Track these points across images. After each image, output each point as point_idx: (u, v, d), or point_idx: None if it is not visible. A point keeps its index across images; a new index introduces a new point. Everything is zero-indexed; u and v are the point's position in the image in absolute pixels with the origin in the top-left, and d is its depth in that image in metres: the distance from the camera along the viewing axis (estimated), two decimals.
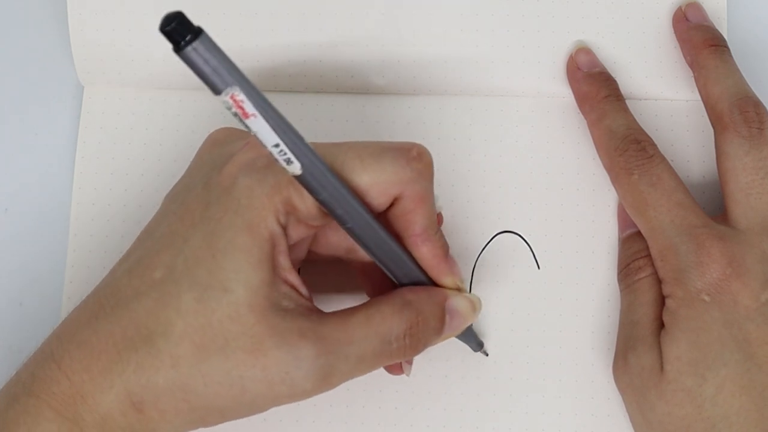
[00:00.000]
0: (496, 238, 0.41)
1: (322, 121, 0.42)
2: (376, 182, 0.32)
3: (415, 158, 0.33)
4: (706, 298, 0.35)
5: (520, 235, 0.41)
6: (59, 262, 0.42)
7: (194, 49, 0.25)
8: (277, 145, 0.29)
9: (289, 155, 0.29)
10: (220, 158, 0.33)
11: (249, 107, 0.27)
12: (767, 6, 0.45)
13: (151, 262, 0.32)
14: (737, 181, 0.37)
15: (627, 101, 0.41)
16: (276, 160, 0.29)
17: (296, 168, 0.29)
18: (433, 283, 0.35)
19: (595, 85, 0.41)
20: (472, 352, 0.40)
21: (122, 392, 0.31)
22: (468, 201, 0.41)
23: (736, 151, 0.37)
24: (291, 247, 0.33)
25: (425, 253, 0.34)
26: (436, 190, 0.41)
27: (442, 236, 0.35)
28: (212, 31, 0.42)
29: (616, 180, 0.39)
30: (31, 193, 0.42)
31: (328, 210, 0.32)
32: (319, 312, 0.33)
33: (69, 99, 0.43)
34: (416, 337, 0.34)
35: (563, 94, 0.42)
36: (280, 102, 0.42)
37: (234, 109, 0.27)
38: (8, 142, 0.43)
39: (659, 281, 0.38)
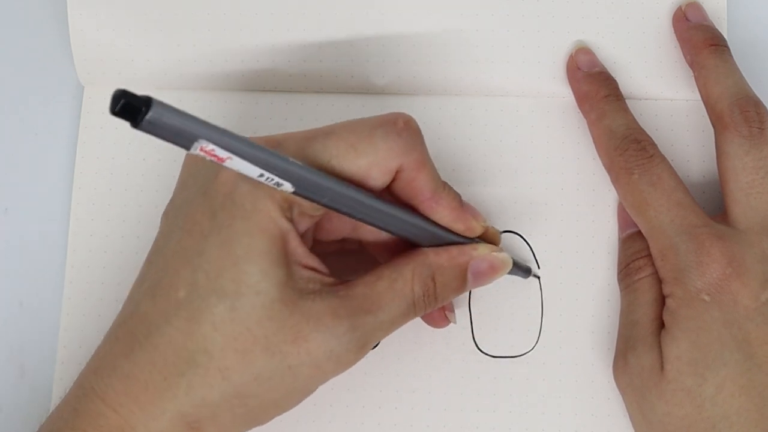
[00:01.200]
0: None
1: (322, 121, 0.42)
2: (373, 163, 0.33)
3: (404, 128, 0.33)
4: (706, 297, 0.35)
5: (520, 235, 0.41)
6: (59, 262, 0.42)
7: (149, 121, 0.25)
8: (261, 175, 0.29)
9: (276, 179, 0.29)
10: (212, 165, 0.33)
11: (221, 152, 0.28)
12: (767, 6, 0.45)
13: (172, 282, 0.32)
14: (737, 181, 0.37)
15: (627, 101, 0.41)
16: (266, 185, 0.30)
17: (288, 187, 0.30)
18: (458, 236, 0.36)
19: (594, 85, 0.41)
20: (474, 351, 0.40)
21: (176, 416, 0.32)
22: (468, 201, 0.41)
23: (737, 150, 0.37)
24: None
25: (441, 212, 0.35)
26: None
27: (450, 190, 0.35)
28: (213, 30, 0.42)
29: (616, 180, 0.39)
30: (31, 193, 0.42)
31: (334, 210, 0.32)
32: (344, 283, 0.33)
33: (69, 99, 0.43)
34: (434, 296, 0.35)
35: (563, 94, 0.42)
36: (280, 102, 0.42)
37: (209, 158, 0.27)
38: (8, 142, 0.43)
39: (659, 281, 0.38)
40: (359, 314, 0.33)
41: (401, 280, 0.34)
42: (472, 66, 0.42)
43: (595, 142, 0.40)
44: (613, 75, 0.41)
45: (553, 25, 0.42)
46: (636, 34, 0.42)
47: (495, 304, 0.40)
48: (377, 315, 0.33)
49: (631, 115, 0.40)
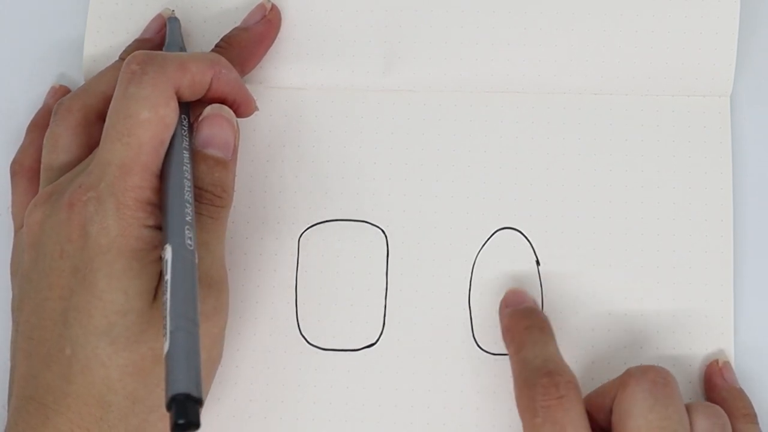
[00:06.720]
0: (496, 234, 0.41)
1: (321, 117, 0.42)
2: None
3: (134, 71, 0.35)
4: None
5: (520, 232, 0.41)
6: None
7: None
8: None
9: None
10: (60, 230, 0.34)
11: None
12: None
13: (58, 345, 0.33)
14: None
15: (626, 96, 0.40)
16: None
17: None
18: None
19: (515, 318, 0.38)
20: (474, 348, 0.40)
21: None
22: (468, 197, 0.41)
23: (640, 407, 0.34)
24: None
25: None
26: (435, 188, 0.41)
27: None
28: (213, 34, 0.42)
29: (522, 420, 0.35)
30: None
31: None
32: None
33: None
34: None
35: (564, 90, 0.42)
36: (281, 98, 0.42)
37: None
38: (8, 141, 0.43)
39: None
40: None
41: None
42: (472, 62, 0.42)
43: (512, 376, 0.37)
44: (617, 68, 0.41)
45: (555, 22, 0.42)
46: (638, 31, 0.42)
47: (495, 301, 0.40)
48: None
49: (554, 347, 0.36)
